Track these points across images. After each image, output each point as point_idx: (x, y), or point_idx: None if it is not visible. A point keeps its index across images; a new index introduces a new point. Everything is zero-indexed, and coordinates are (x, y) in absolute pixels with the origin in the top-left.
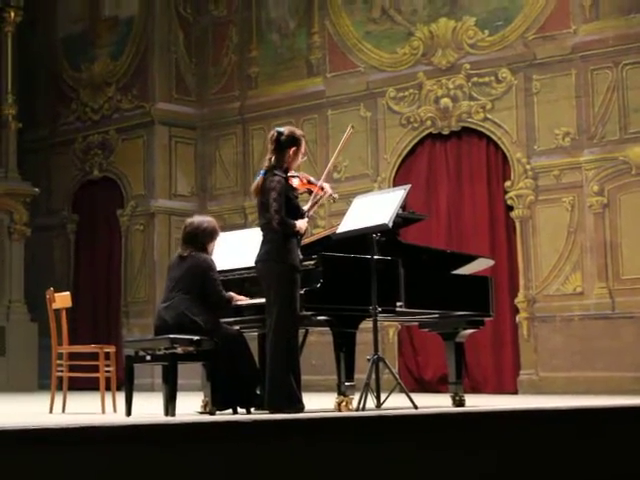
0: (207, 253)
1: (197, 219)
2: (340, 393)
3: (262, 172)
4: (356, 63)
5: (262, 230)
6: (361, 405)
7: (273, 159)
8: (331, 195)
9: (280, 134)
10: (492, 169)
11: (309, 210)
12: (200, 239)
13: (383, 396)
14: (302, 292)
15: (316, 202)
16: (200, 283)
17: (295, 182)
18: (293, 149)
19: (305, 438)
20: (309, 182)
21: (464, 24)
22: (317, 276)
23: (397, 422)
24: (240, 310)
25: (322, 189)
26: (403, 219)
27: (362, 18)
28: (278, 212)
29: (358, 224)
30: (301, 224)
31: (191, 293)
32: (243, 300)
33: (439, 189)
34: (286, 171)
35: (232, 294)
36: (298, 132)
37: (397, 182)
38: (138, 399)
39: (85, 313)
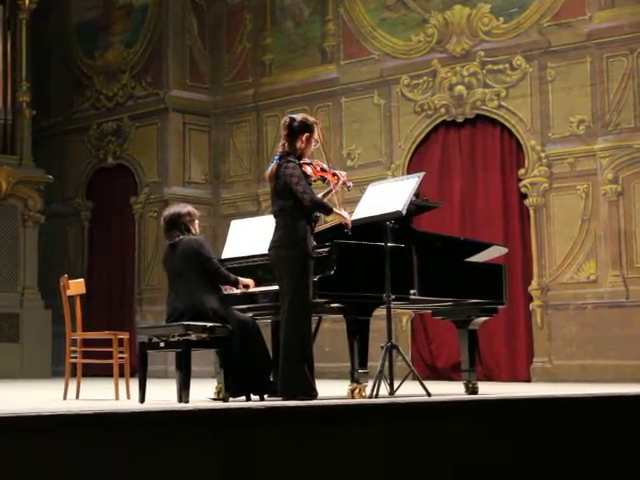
0: (193, 234)
1: (172, 207)
2: (353, 380)
3: (276, 158)
4: (370, 50)
5: (275, 217)
6: (374, 392)
7: (286, 145)
8: (345, 183)
9: (293, 120)
10: (506, 157)
11: (323, 198)
12: (182, 221)
13: (396, 383)
14: (316, 279)
15: (330, 191)
16: (199, 264)
17: (309, 169)
18: (306, 135)
19: (318, 425)
20: (322, 170)
21: (479, 11)
22: (331, 263)
23: (410, 409)
24: (254, 297)
25: (336, 177)
26: (417, 207)
27: (376, 5)
28: (305, 193)
29: (372, 211)
30: (345, 215)
31: (195, 278)
32: (249, 283)
33: (453, 177)
34: (299, 158)
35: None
36: (311, 119)
37: (411, 170)
38: (151, 386)
39: (99, 300)
